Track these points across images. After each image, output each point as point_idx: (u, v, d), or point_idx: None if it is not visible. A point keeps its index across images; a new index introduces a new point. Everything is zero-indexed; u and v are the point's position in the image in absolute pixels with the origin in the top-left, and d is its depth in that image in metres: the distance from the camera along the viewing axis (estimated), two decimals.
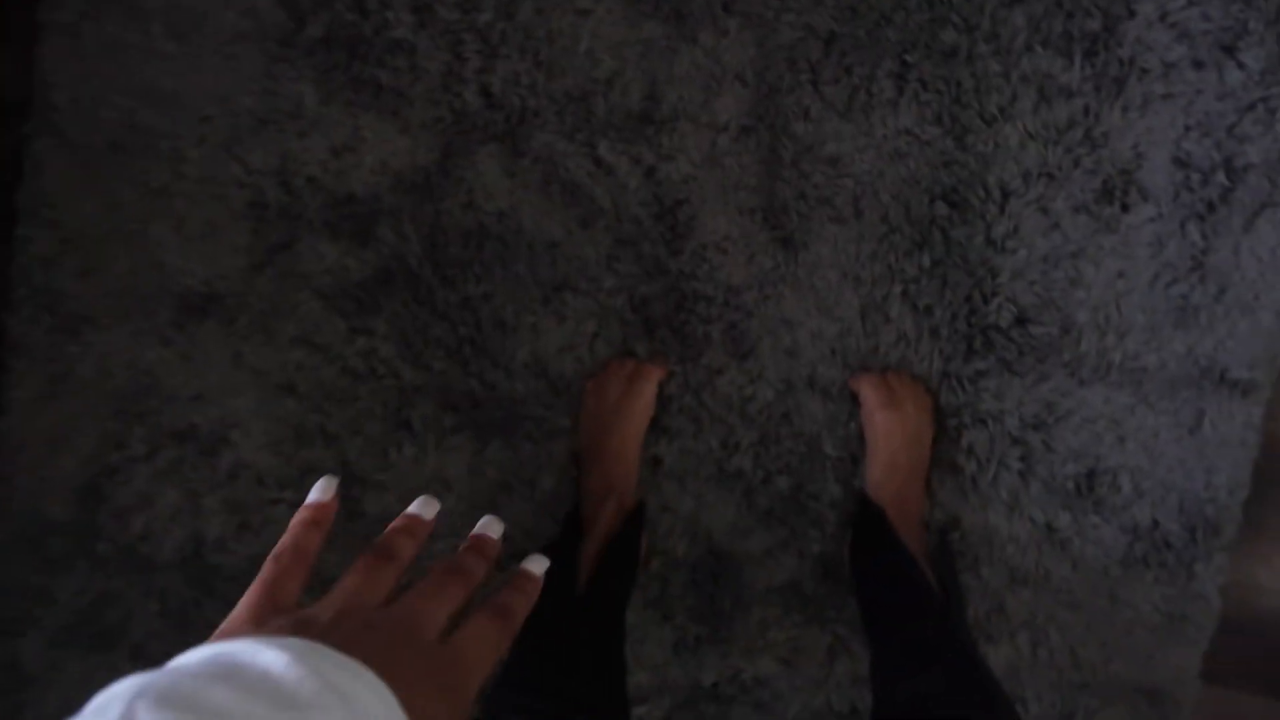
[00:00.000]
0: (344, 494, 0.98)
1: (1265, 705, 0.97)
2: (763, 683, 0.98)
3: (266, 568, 0.37)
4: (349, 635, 0.31)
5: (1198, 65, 0.90)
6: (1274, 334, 0.93)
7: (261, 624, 0.33)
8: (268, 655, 0.27)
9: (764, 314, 0.94)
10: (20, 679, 1.02)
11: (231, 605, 1.03)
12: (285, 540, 0.39)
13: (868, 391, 0.91)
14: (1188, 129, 0.91)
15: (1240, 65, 0.90)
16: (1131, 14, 0.90)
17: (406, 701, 0.28)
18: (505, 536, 0.43)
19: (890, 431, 0.89)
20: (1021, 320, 0.93)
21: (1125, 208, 0.92)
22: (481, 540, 0.43)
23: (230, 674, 0.26)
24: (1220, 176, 0.91)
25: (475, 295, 0.95)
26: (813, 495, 0.95)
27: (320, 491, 0.42)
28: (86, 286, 0.96)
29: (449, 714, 0.32)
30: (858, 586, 0.89)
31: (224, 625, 0.34)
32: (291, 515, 1.02)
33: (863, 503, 0.90)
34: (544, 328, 0.95)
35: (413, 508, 0.44)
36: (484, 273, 0.94)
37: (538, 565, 0.42)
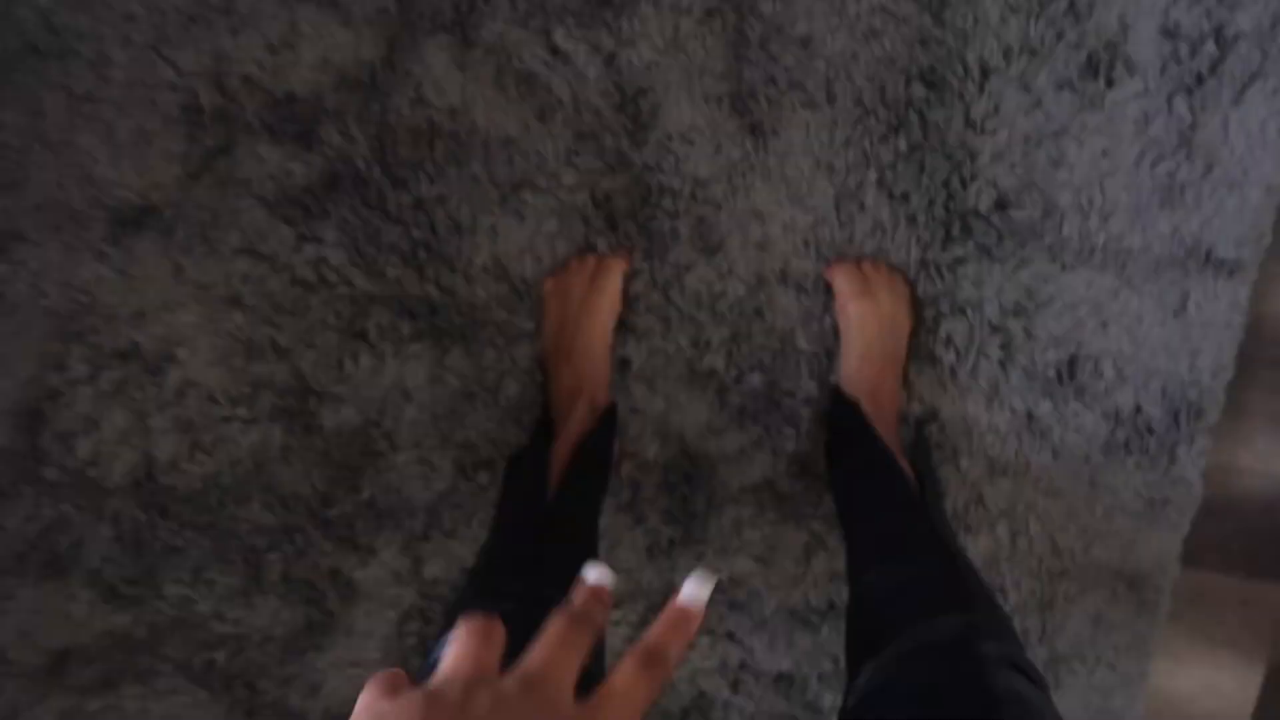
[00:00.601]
0: (300, 408, 1.06)
1: (1242, 586, 1.09)
2: (739, 582, 1.09)
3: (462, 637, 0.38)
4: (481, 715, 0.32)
5: None
6: (1261, 210, 1.01)
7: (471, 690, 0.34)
8: None
9: (733, 206, 1.01)
10: None
11: (187, 527, 1.13)
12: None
13: (841, 281, 0.99)
14: None
15: None
16: None
17: None
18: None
19: (864, 322, 0.98)
20: (1002, 204, 1.00)
21: (1110, 83, 0.99)
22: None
23: None
24: (1209, 47, 0.98)
25: (428, 197, 1.01)
26: (787, 392, 1.04)
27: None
28: (12, 201, 1.01)
29: None
30: (833, 481, 0.98)
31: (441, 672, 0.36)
32: (244, 434, 1.10)
33: (837, 396, 0.99)
34: (502, 228, 1.02)
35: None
36: (436, 173, 1.00)
37: (703, 592, 0.40)
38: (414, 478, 1.07)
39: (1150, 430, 1.03)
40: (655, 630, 0.38)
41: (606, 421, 0.97)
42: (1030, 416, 1.04)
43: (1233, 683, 1.10)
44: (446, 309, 1.02)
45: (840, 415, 0.97)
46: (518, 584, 0.73)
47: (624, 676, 0.36)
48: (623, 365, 1.03)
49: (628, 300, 1.02)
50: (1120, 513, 1.06)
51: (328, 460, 1.07)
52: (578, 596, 0.41)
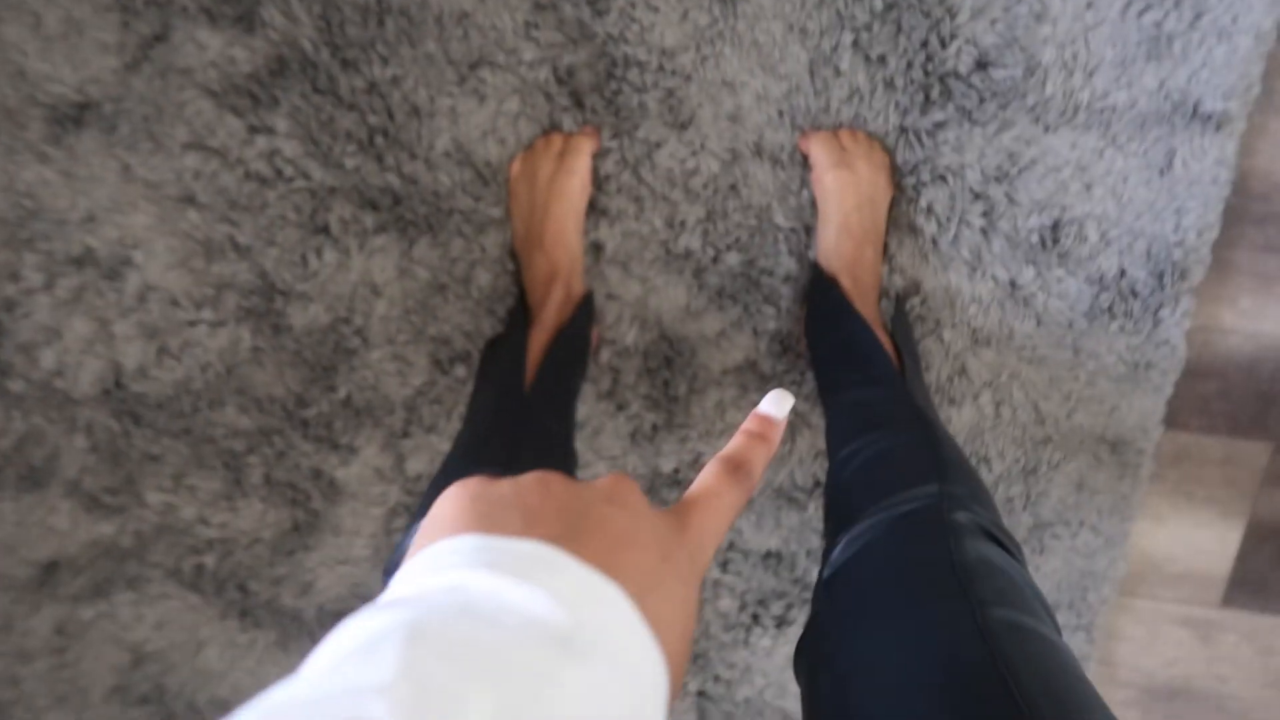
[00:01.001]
0: (266, 308, 1.02)
1: (1225, 445, 1.08)
2: None
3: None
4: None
5: None
6: (1250, 59, 0.96)
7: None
8: (531, 599, 0.27)
9: (703, 77, 0.95)
10: None
11: (163, 434, 1.11)
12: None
13: (817, 151, 0.94)
14: None
15: None
16: None
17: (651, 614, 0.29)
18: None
19: (842, 193, 0.94)
20: (982, 64, 0.95)
21: None
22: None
23: (497, 615, 0.26)
24: None
25: (382, 79, 0.95)
26: (766, 270, 1.01)
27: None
28: None
29: (685, 615, 0.31)
30: (812, 358, 0.96)
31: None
32: (211, 337, 1.07)
33: (816, 272, 0.96)
34: (462, 110, 0.96)
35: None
36: (389, 53, 0.94)
37: (783, 407, 0.39)
38: (389, 374, 1.04)
39: (1134, 293, 1.01)
40: (738, 440, 0.38)
41: (583, 309, 0.95)
42: (1013, 285, 1.01)
43: (1213, 539, 1.11)
44: (410, 198, 0.98)
45: (819, 292, 0.94)
46: (494, 472, 0.71)
47: (710, 482, 0.35)
48: (595, 250, 0.99)
49: (598, 182, 0.97)
50: (1103, 378, 1.04)
51: (300, 360, 1.04)
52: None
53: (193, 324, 1.02)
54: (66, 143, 0.96)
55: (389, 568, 0.64)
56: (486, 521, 0.30)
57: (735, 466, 0.36)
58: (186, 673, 1.20)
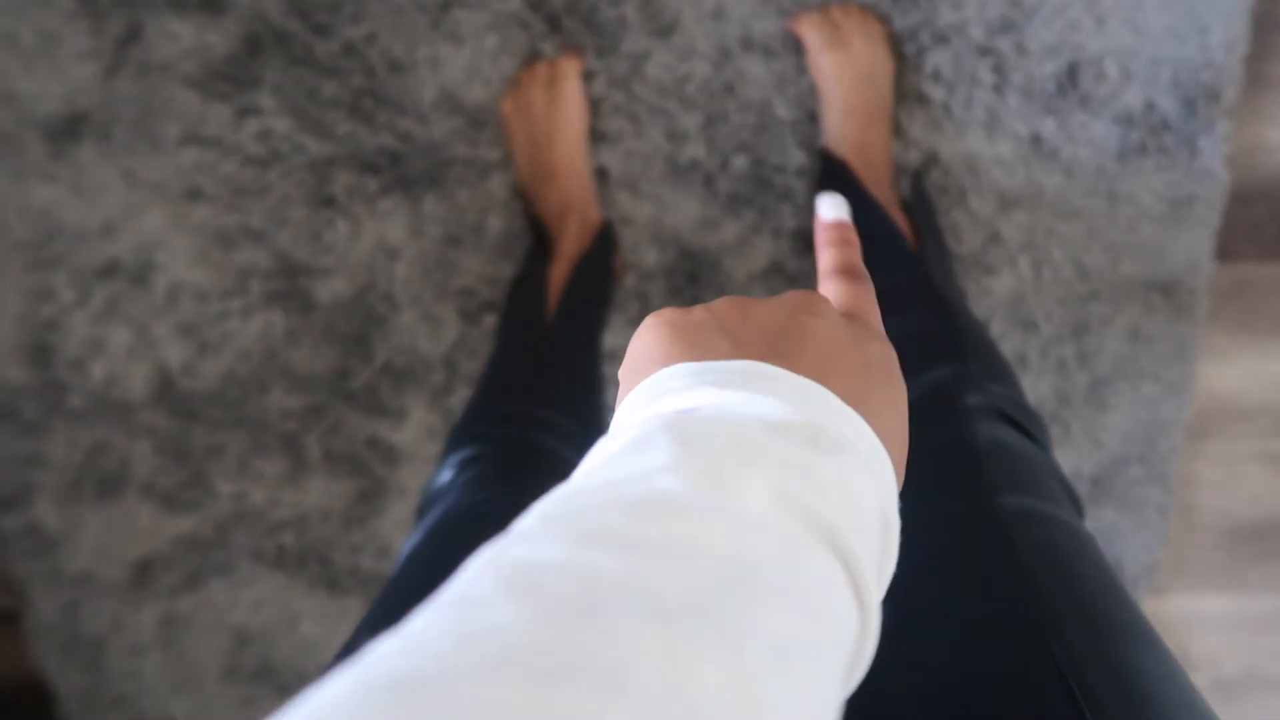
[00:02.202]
0: (291, 288, 1.00)
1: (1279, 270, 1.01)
2: None
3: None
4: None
5: None
6: None
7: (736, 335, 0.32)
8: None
9: None
10: (46, 542, 1.12)
11: (220, 426, 1.10)
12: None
13: (809, 34, 0.88)
14: None
15: None
16: None
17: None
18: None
19: (840, 74, 0.87)
20: None
21: None
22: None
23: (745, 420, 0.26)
24: None
25: (357, 39, 0.91)
26: (776, 168, 0.95)
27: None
28: None
29: (898, 416, 0.31)
30: None
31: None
32: (245, 325, 1.05)
33: (825, 158, 0.90)
34: (442, 57, 0.92)
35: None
36: (358, 10, 0.90)
37: (838, 208, 0.39)
38: (422, 334, 1.02)
39: (1166, 126, 0.93)
40: (833, 252, 0.37)
41: (601, 237, 0.91)
42: (1036, 139, 0.94)
43: None
44: (408, 156, 0.95)
45: (830, 179, 0.89)
46: (515, 407, 0.69)
47: (847, 293, 0.35)
48: (601, 175, 0.95)
49: (590, 106, 0.93)
50: (1145, 220, 0.97)
51: (333, 334, 1.02)
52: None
53: (225, 315, 1.01)
54: (68, 157, 0.94)
55: (422, 507, 0.62)
56: (695, 348, 0.30)
57: (851, 273, 0.36)
58: (289, 646, 1.22)
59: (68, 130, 0.93)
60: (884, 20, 0.90)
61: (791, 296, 0.33)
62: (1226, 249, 0.98)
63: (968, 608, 0.41)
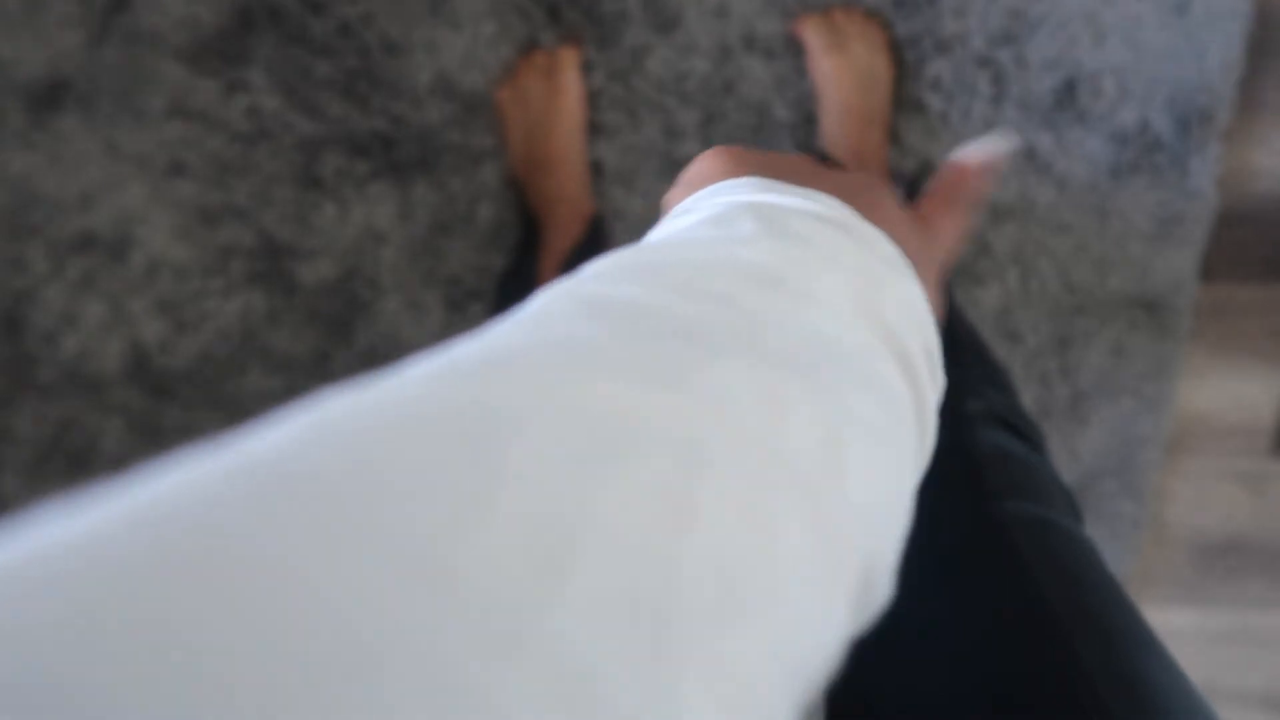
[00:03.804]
0: (274, 269, 0.98)
1: (1264, 292, 1.01)
2: None
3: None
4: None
5: None
6: None
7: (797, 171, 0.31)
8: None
9: None
10: (9, 517, 1.09)
11: (195, 406, 1.07)
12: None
13: (810, 36, 0.87)
14: None
15: None
16: None
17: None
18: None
19: (839, 77, 0.87)
20: None
21: None
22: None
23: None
24: None
25: (353, 18, 0.89)
26: None
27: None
28: None
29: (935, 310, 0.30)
30: None
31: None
32: (225, 304, 1.03)
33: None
34: (439, 41, 0.90)
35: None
36: None
37: (1003, 143, 0.38)
38: (406, 321, 1.00)
39: (1159, 145, 0.93)
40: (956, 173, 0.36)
41: (594, 231, 0.90)
42: (1031, 152, 0.94)
43: (1258, 390, 1.05)
44: (400, 140, 0.92)
45: None
46: None
47: (938, 202, 0.35)
48: (595, 168, 0.94)
49: (588, 98, 0.91)
50: (1133, 238, 0.97)
51: (316, 317, 1.00)
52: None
53: (204, 293, 0.98)
54: (49, 126, 0.91)
55: None
56: (766, 169, 0.29)
57: (956, 198, 0.35)
58: None
59: (49, 98, 0.90)
60: (886, 26, 0.89)
61: (860, 173, 0.32)
62: (1211, 269, 0.99)
63: (971, 614, 0.40)
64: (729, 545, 0.15)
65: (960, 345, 0.64)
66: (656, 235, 0.25)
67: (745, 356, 0.18)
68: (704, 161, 0.30)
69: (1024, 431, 0.54)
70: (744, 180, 0.27)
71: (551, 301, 0.19)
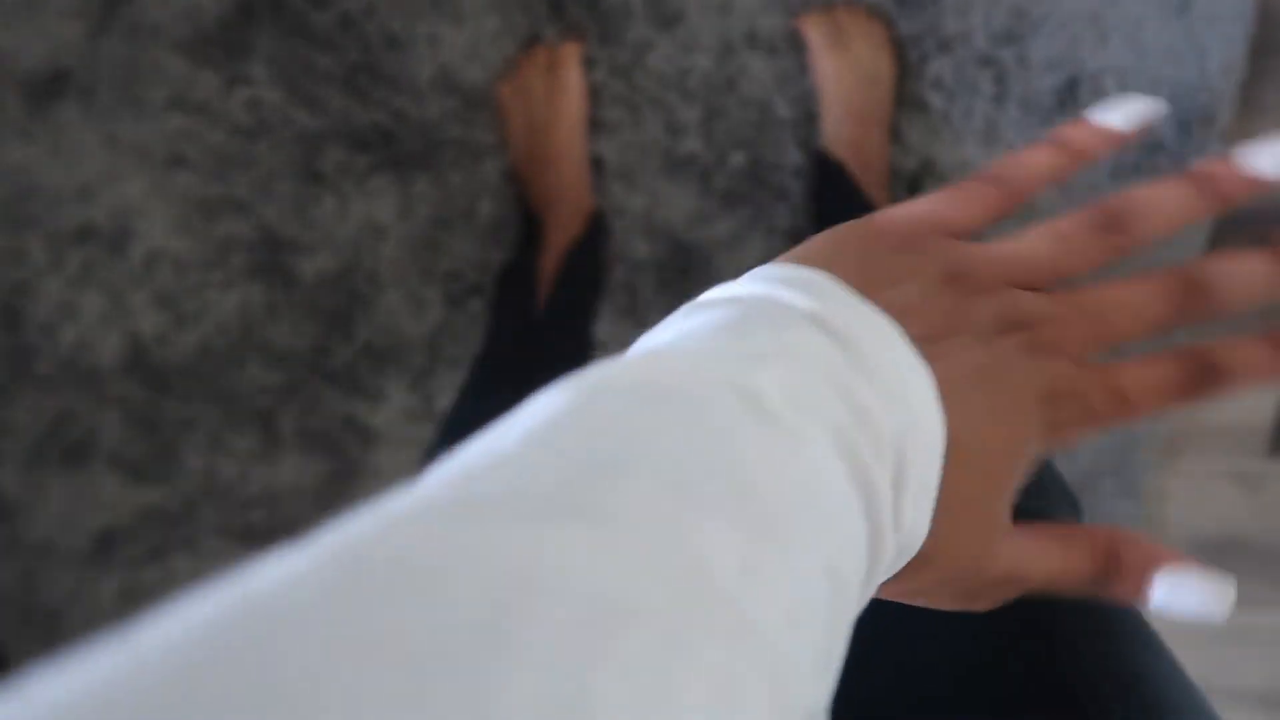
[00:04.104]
0: (274, 262, 0.98)
1: None
2: None
3: (964, 186, 0.28)
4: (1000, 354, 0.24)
5: None
6: None
7: (910, 248, 0.26)
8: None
9: None
10: (6, 509, 1.09)
11: (193, 398, 1.06)
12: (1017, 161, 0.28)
13: (812, 33, 0.87)
14: None
15: None
16: None
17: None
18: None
19: (840, 75, 0.86)
20: None
21: None
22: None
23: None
24: None
25: (354, 11, 0.88)
26: (773, 166, 0.94)
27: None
28: None
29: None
30: None
31: (895, 217, 0.26)
32: (224, 298, 1.03)
33: (820, 160, 0.89)
34: (441, 35, 0.90)
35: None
36: None
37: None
38: (405, 315, 1.00)
39: (1160, 146, 0.94)
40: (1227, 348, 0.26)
41: (593, 226, 0.89)
42: None
43: (1256, 390, 1.05)
44: (401, 134, 0.92)
45: (825, 181, 0.88)
46: (505, 397, 0.68)
47: (1161, 371, 0.26)
48: (595, 164, 0.93)
49: (590, 94, 0.91)
50: None
51: (315, 311, 1.00)
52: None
53: (203, 286, 0.98)
54: (49, 117, 0.91)
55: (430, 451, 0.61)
56: (869, 281, 0.25)
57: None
58: None
59: (49, 88, 0.90)
60: (889, 24, 0.89)
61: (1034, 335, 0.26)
62: None
63: (973, 613, 0.40)
64: None
65: None
66: (664, 333, 0.23)
67: (729, 513, 0.17)
68: (834, 233, 0.26)
69: None
70: (811, 279, 0.23)
71: (551, 393, 0.18)
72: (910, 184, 0.94)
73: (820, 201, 0.90)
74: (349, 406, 1.05)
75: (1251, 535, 1.12)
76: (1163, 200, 0.26)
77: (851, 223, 0.26)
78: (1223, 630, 1.16)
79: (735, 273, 0.98)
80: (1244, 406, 1.06)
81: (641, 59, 0.90)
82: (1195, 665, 1.17)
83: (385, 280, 0.99)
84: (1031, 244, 0.27)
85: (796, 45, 0.90)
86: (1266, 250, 0.26)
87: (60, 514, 1.10)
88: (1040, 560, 0.25)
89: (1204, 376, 0.25)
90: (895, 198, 0.92)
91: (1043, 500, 0.47)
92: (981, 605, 0.26)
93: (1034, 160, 0.28)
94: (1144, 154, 0.94)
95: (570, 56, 0.88)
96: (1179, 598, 0.25)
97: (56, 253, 0.97)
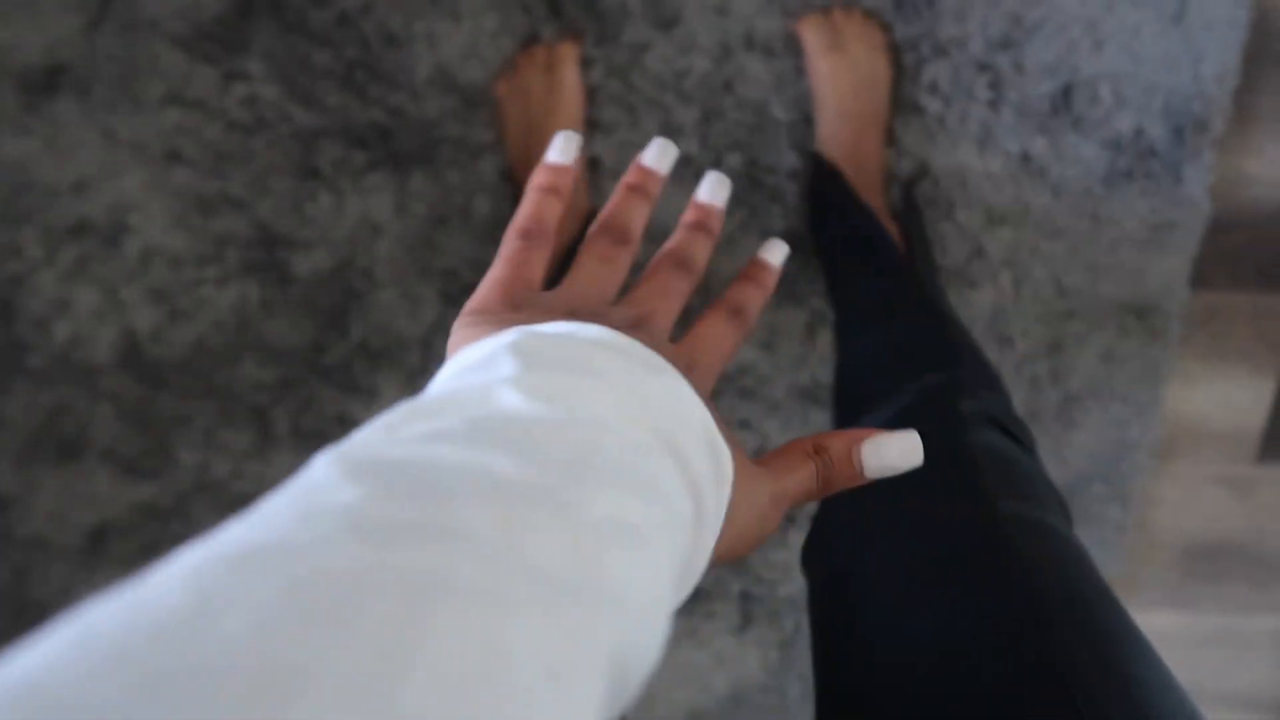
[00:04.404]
0: (269, 259, 0.98)
1: (1254, 300, 1.02)
2: (745, 370, 1.03)
3: (510, 243, 0.36)
4: None
5: None
6: None
7: (518, 307, 0.33)
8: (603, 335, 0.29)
9: None
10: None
11: (187, 395, 1.07)
12: (525, 211, 0.37)
13: (809, 36, 0.87)
14: None
15: None
16: None
17: None
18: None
19: (836, 78, 0.87)
20: None
21: None
22: (706, 212, 0.38)
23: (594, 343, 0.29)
24: None
25: (352, 9, 0.88)
26: (769, 168, 0.95)
27: (559, 152, 0.38)
28: None
29: None
30: (818, 252, 0.90)
31: (475, 303, 0.34)
32: (219, 294, 1.03)
33: (817, 162, 0.90)
34: (440, 33, 0.90)
35: (647, 158, 0.39)
36: None
37: (776, 254, 0.39)
38: (401, 313, 1.00)
39: (1153, 152, 0.94)
40: (737, 286, 0.37)
41: (589, 226, 0.90)
42: (1026, 157, 0.94)
43: (1246, 396, 1.06)
44: (398, 132, 0.92)
45: (821, 184, 0.88)
46: None
47: (711, 325, 0.36)
48: (592, 164, 0.94)
49: (586, 93, 0.91)
50: (1126, 244, 0.98)
51: (310, 308, 1.00)
52: (685, 226, 0.38)
53: (199, 283, 0.98)
54: (45, 111, 0.91)
55: None
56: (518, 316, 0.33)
57: (733, 312, 0.36)
58: None
59: (45, 83, 0.90)
60: (886, 28, 0.89)
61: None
62: (1202, 276, 1.00)
63: (968, 614, 0.40)
64: (457, 666, 0.17)
65: (953, 347, 0.64)
66: (434, 383, 0.29)
67: (488, 494, 0.21)
68: (490, 279, 0.34)
69: (1016, 433, 0.55)
70: (503, 334, 0.30)
71: (316, 471, 0.21)
72: (906, 187, 0.94)
73: (816, 205, 0.90)
74: (344, 404, 1.05)
75: (1241, 540, 1.13)
76: (697, 243, 0.37)
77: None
78: (1211, 634, 1.16)
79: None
80: (1236, 412, 1.07)
81: (639, 60, 0.90)
82: (1184, 669, 1.18)
83: (381, 278, 0.99)
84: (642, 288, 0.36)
85: (794, 48, 0.90)
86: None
87: (53, 509, 1.09)
88: (789, 479, 0.33)
89: (736, 312, 0.36)
90: (890, 201, 0.92)
91: (1038, 505, 0.47)
92: (769, 528, 0.33)
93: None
94: (1138, 160, 0.94)
95: (567, 56, 0.88)
96: (884, 458, 0.33)
97: (51, 247, 0.96)
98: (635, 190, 0.38)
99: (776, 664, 1.17)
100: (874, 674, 0.41)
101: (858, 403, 0.63)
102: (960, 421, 0.53)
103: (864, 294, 0.77)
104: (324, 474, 0.20)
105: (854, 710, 0.41)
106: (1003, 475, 0.49)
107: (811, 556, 0.53)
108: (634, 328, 0.33)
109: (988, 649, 0.39)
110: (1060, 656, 0.37)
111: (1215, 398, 1.06)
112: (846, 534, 0.50)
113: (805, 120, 0.92)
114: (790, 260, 0.98)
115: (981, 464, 0.49)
